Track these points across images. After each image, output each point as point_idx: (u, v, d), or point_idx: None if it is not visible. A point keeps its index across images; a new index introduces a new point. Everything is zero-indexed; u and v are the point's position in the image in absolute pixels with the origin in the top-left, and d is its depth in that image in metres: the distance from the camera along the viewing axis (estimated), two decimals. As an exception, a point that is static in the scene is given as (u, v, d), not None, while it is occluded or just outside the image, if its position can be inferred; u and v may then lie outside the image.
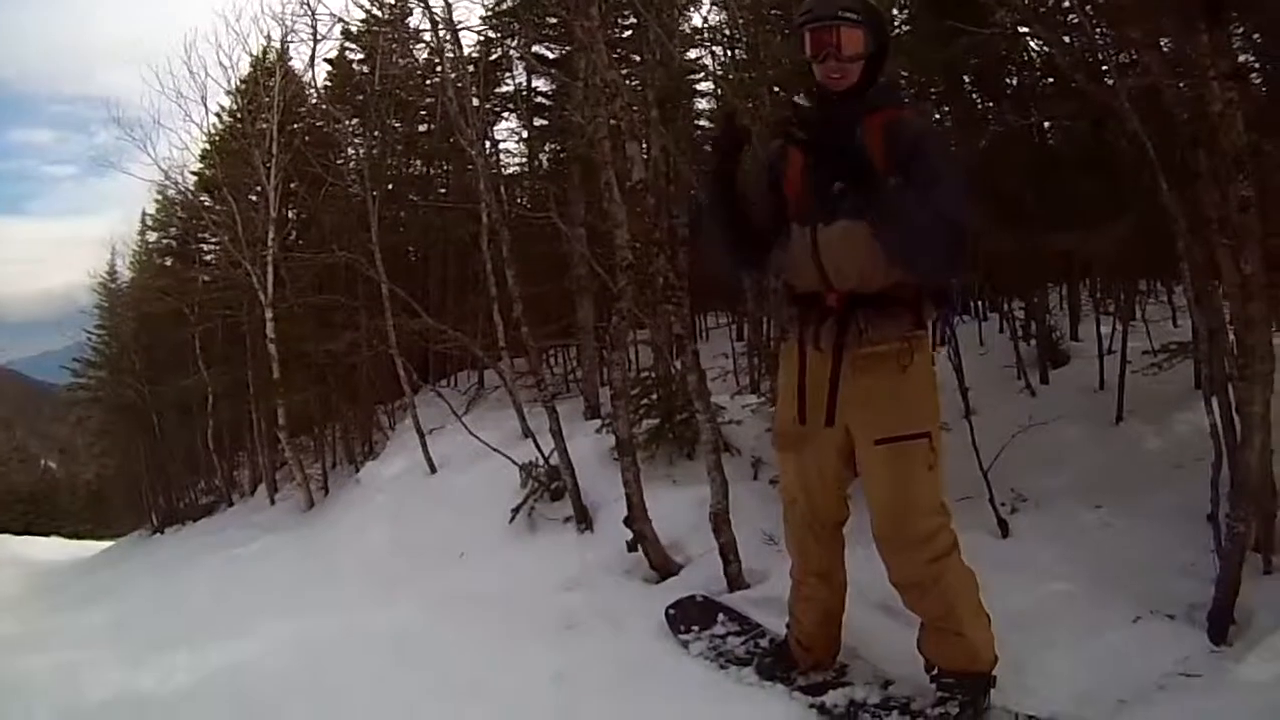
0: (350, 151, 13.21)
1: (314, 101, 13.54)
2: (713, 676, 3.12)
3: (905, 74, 6.21)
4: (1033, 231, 5.65)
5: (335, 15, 11.86)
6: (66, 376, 26.29)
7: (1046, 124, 6.56)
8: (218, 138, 13.97)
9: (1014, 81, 6.74)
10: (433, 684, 3.47)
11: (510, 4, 11.22)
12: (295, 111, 13.23)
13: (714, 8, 9.43)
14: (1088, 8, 4.32)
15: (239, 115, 13.11)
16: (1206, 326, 3.70)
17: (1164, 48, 3.49)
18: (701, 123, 11.47)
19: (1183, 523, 3.65)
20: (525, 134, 12.90)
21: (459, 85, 8.41)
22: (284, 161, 11.93)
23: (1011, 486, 4.47)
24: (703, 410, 4.15)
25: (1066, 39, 5.01)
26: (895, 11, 6.46)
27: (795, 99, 2.61)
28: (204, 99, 13.21)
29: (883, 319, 2.58)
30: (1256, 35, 4.67)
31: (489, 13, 11.13)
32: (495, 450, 6.88)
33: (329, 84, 14.24)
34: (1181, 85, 3.30)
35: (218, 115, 13.90)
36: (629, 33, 10.06)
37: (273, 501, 13.50)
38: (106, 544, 20.36)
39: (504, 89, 12.68)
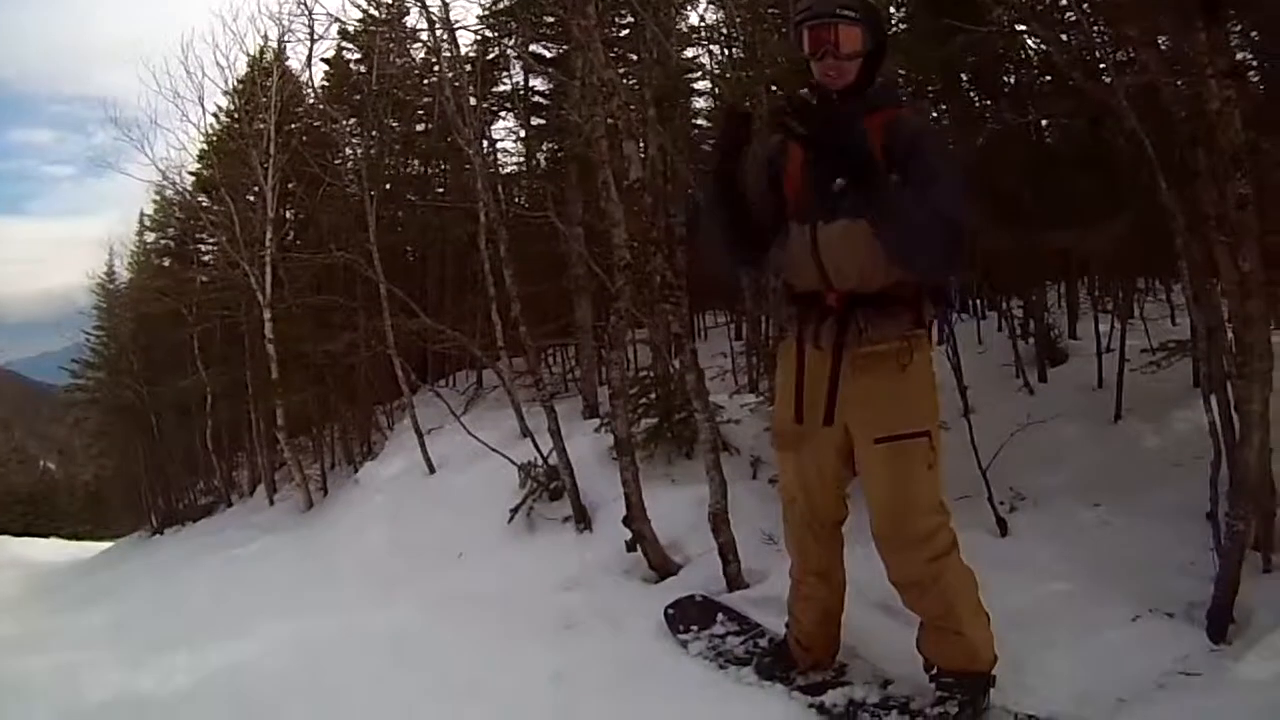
0: (348, 151, 13.21)
1: (311, 101, 13.51)
2: (712, 676, 3.12)
3: (903, 72, 6.21)
4: (1031, 230, 5.65)
5: (332, 15, 11.84)
6: (65, 377, 26.32)
7: (1044, 122, 6.57)
8: (215, 138, 13.97)
9: (1011, 80, 6.75)
10: (431, 684, 3.47)
11: (507, 3, 11.20)
12: (292, 111, 13.19)
13: (711, 6, 9.48)
14: (1085, 6, 4.31)
15: (236, 115, 13.09)
16: (1205, 324, 3.70)
17: (1162, 45, 3.49)
18: (699, 121, 11.48)
19: (1182, 521, 3.65)
20: (523, 133, 12.86)
21: (456, 85, 8.40)
22: (281, 162, 11.92)
23: (1010, 485, 4.47)
24: (701, 409, 4.14)
25: (1064, 37, 5.01)
26: (893, 10, 6.47)
27: (799, 93, 2.58)
28: (201, 99, 13.26)
29: (883, 318, 2.57)
30: (1254, 33, 4.67)
31: (486, 12, 11.11)
32: (494, 450, 6.87)
33: (326, 84, 14.22)
34: (1179, 83, 3.30)
35: (215, 115, 13.90)
36: (626, 31, 10.04)
37: (272, 502, 13.49)
38: (105, 545, 20.34)
39: (501, 88, 12.64)
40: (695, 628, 3.43)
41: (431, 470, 8.66)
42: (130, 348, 19.37)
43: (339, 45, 14.15)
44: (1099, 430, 5.26)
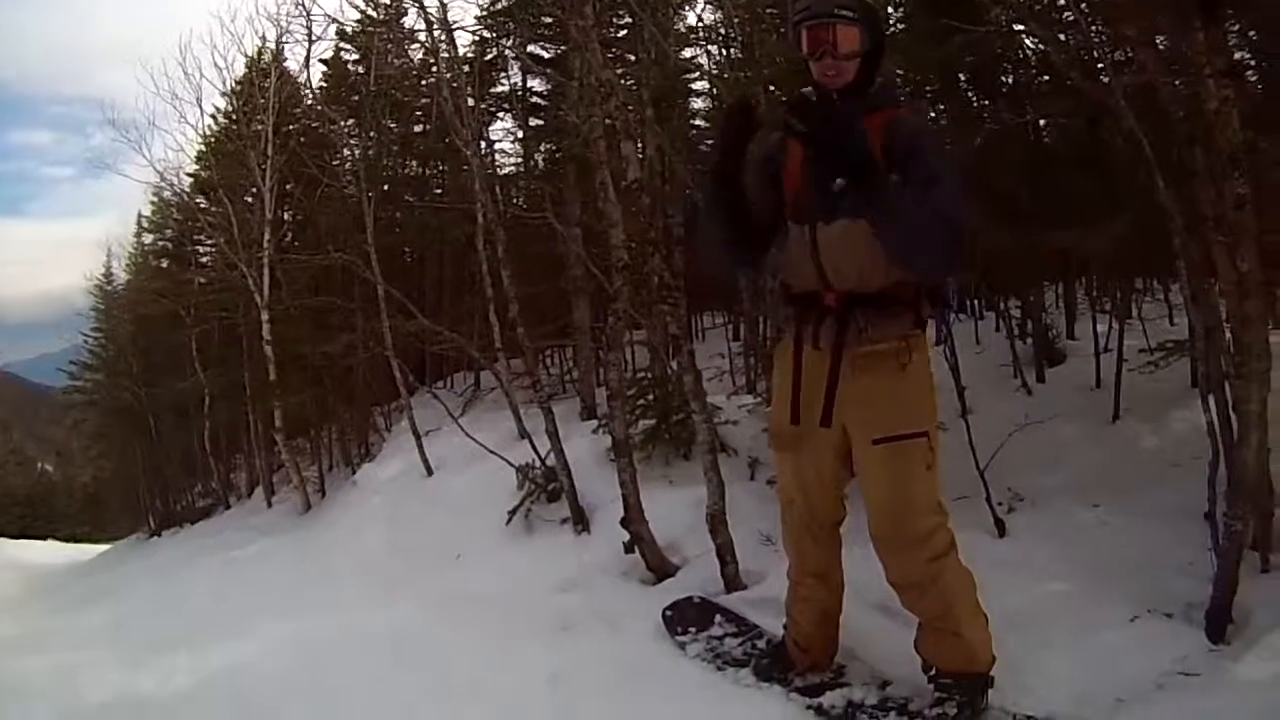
0: (346, 152, 13.21)
1: (309, 102, 13.50)
2: (710, 678, 3.11)
3: (901, 72, 6.21)
4: (1029, 230, 5.64)
5: (330, 16, 11.80)
6: (63, 379, 26.32)
7: (1042, 122, 6.57)
8: (213, 139, 13.96)
9: (1009, 80, 6.74)
10: (430, 684, 3.47)
11: (505, 4, 11.21)
12: (291, 113, 13.19)
13: (709, 6, 9.44)
14: (1083, 5, 4.31)
15: (234, 117, 13.06)
16: (1203, 324, 3.70)
17: (1160, 45, 3.49)
18: (697, 122, 11.48)
19: (1180, 521, 3.65)
20: (520, 134, 12.87)
21: (454, 85, 8.40)
22: (279, 163, 11.91)
23: (1008, 485, 4.47)
24: (699, 411, 4.14)
25: (1062, 37, 5.01)
26: (891, 10, 6.46)
27: (801, 92, 2.57)
28: (199, 100, 13.30)
29: (883, 318, 2.57)
30: (1252, 33, 4.68)
31: (484, 13, 11.11)
32: (492, 452, 6.87)
33: (324, 85, 14.24)
34: (1177, 83, 3.30)
35: (213, 117, 13.87)
36: (624, 32, 10.03)
37: (270, 504, 13.49)
38: (104, 547, 20.35)
39: (499, 89, 12.65)
40: (693, 629, 3.42)
41: (429, 472, 8.66)
42: (128, 349, 19.35)
43: (337, 46, 14.21)
44: (1097, 430, 5.27)
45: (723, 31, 9.45)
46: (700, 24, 9.95)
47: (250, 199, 12.82)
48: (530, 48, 11.56)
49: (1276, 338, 3.13)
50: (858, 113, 2.45)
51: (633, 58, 9.51)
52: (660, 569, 4.40)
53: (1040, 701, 2.67)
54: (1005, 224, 5.53)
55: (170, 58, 17.58)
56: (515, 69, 12.41)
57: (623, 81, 7.09)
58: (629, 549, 4.53)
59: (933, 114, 6.82)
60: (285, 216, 13.34)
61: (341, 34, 13.39)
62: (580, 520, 5.52)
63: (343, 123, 13.05)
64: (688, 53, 10.53)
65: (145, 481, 21.19)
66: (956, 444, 4.16)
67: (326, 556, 7.53)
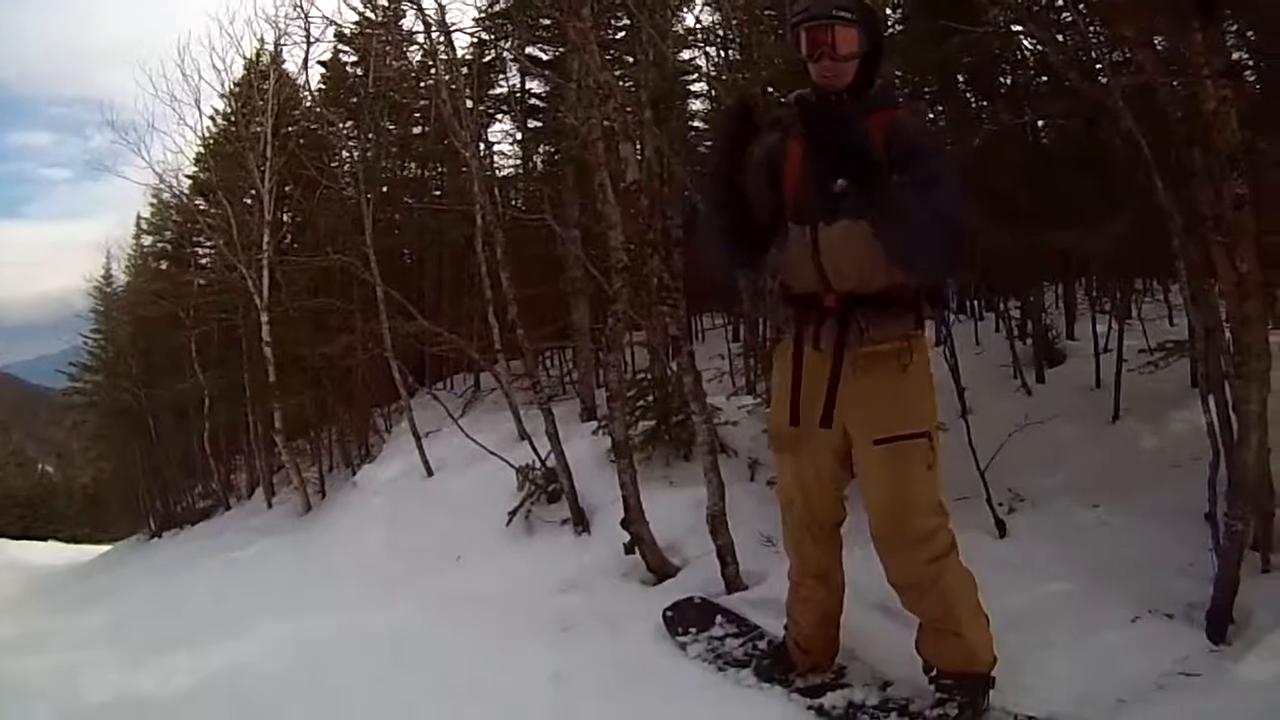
0: (345, 154, 13.21)
1: (308, 104, 13.50)
2: (710, 678, 3.11)
3: (899, 73, 6.21)
4: (1028, 230, 5.64)
5: (328, 18, 11.82)
6: (63, 380, 26.28)
7: (1040, 123, 6.56)
8: (212, 141, 13.97)
9: (1008, 80, 6.75)
10: (430, 685, 3.48)
11: (503, 6, 11.22)
12: (289, 114, 13.17)
13: (707, 8, 9.44)
14: (1081, 6, 4.31)
15: (233, 118, 13.07)
16: (1203, 324, 3.70)
17: (1158, 46, 3.49)
18: (696, 124, 11.47)
19: (1180, 522, 3.65)
20: (519, 136, 12.87)
21: (453, 87, 8.41)
22: (278, 164, 11.91)
23: (1008, 486, 4.47)
24: (699, 412, 4.14)
25: (1060, 37, 5.01)
26: (889, 11, 6.46)
27: (802, 92, 2.56)
28: (198, 102, 13.23)
29: (884, 318, 2.57)
30: (1250, 33, 4.68)
31: (482, 15, 11.14)
32: (492, 453, 6.87)
33: (323, 87, 14.25)
34: (1175, 83, 3.30)
35: (212, 118, 13.89)
36: (622, 34, 10.04)
37: (270, 505, 13.48)
38: (104, 548, 20.34)
39: (498, 91, 12.66)
40: (694, 630, 3.42)
41: (429, 473, 8.66)
42: (128, 351, 19.32)
43: (335, 48, 14.19)
44: (1097, 431, 5.27)
45: (721, 33, 9.44)
46: (698, 26, 9.95)
47: (249, 201, 12.83)
48: (529, 49, 11.56)
49: (1276, 338, 3.13)
50: (859, 113, 2.45)
51: (631, 59, 9.53)
52: (661, 570, 4.40)
53: (1041, 702, 2.67)
54: (1004, 224, 5.53)
55: (169, 59, 17.59)
56: (514, 71, 12.42)
57: (621, 83, 7.10)
58: (629, 550, 4.52)
59: (931, 115, 6.82)
60: (284, 218, 13.33)
61: (340, 36, 13.40)
62: (580, 521, 5.51)
63: (341, 124, 13.05)
64: (686, 54, 10.52)
65: (145, 483, 21.16)
66: (956, 444, 4.16)
67: (327, 557, 7.53)
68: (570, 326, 10.50)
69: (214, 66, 13.96)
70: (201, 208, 14.70)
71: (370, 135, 12.72)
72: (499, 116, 12.76)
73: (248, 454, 16.19)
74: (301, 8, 11.29)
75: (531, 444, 6.49)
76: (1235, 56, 4.46)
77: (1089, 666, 2.85)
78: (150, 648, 5.00)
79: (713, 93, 10.58)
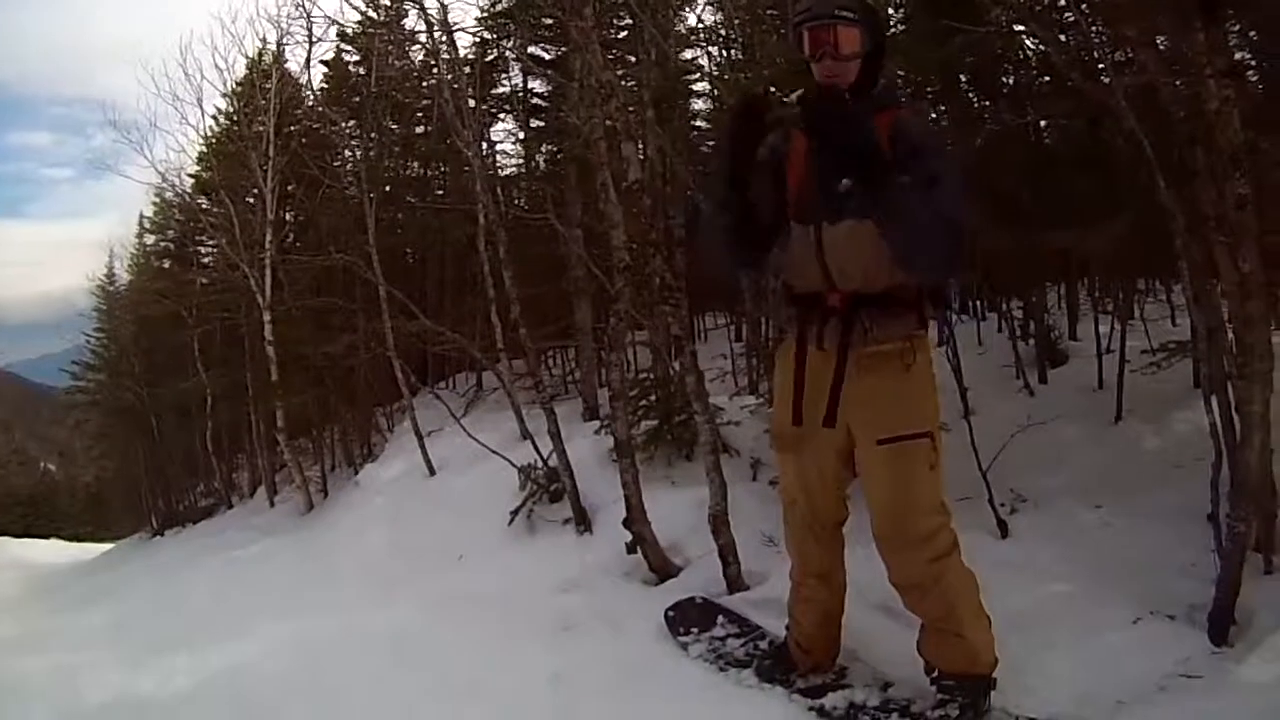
0: (347, 153, 13.23)
1: (310, 104, 13.51)
2: (712, 678, 3.11)
3: (901, 73, 6.20)
4: (1030, 230, 5.64)
5: (330, 17, 11.82)
6: (65, 379, 26.33)
7: (1043, 123, 6.56)
8: (214, 140, 13.98)
9: (1010, 80, 6.74)
10: (431, 684, 3.47)
11: (506, 5, 11.22)
12: (292, 114, 13.20)
13: (709, 7, 9.44)
14: (1083, 6, 4.32)
15: (235, 118, 13.09)
16: (1205, 325, 3.70)
17: (1160, 46, 3.49)
18: (698, 123, 11.48)
19: (1183, 522, 3.64)
20: (522, 135, 12.88)
21: (455, 87, 8.39)
22: (281, 164, 11.93)
23: (1011, 487, 4.46)
24: (701, 411, 4.14)
25: (1062, 37, 5.01)
26: (891, 10, 6.45)
27: (809, 91, 2.55)
28: (200, 101, 13.26)
29: (887, 318, 2.56)
30: (1253, 33, 4.67)
31: (484, 14, 11.13)
32: (494, 452, 6.87)
33: (325, 86, 14.24)
34: (1178, 83, 3.30)
35: (214, 118, 13.91)
36: (624, 33, 10.04)
37: (272, 504, 13.48)
38: (106, 547, 20.34)
39: (500, 90, 12.67)
40: (695, 630, 3.42)
41: (432, 472, 8.65)
42: (131, 350, 19.37)
43: (338, 47, 14.20)
44: (1099, 431, 5.26)
45: (723, 33, 9.47)
46: (701, 25, 9.97)
47: (252, 200, 12.84)
48: (531, 49, 11.56)
49: (1279, 339, 3.12)
50: (865, 112, 2.45)
51: (633, 59, 9.52)
52: (662, 570, 4.40)
53: (1042, 703, 2.67)
54: (1007, 225, 5.53)
55: (171, 59, 17.61)
56: (516, 70, 12.44)
57: (623, 83, 7.09)
58: (631, 550, 4.52)
59: (934, 115, 6.81)
60: (287, 217, 13.35)
61: (342, 35, 13.40)
62: (582, 521, 5.51)
63: (344, 124, 13.06)
64: (688, 54, 10.54)
65: (148, 481, 21.22)
66: (959, 445, 4.16)
67: (328, 557, 7.52)
68: (573, 326, 10.49)
69: (216, 66, 14.01)
70: (204, 207, 14.72)
71: (373, 134, 12.72)
72: (501, 116, 12.79)
73: (250, 453, 16.21)
74: (304, 7, 11.30)
75: (534, 443, 6.48)
76: (1238, 56, 4.45)
77: (1090, 667, 2.84)
78: (150, 647, 5.00)
79: (715, 92, 10.61)
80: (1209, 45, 2.80)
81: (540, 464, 6.24)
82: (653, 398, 6.17)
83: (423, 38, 11.64)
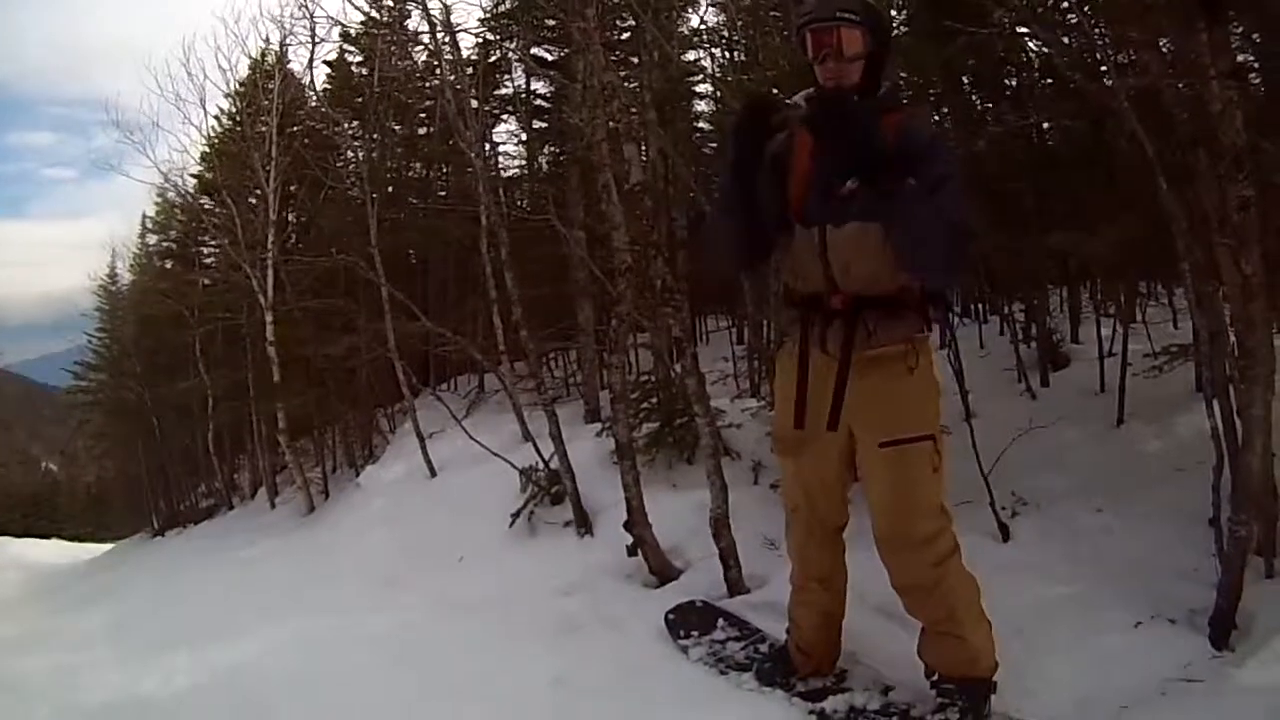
0: (350, 154, 13.20)
1: (313, 104, 13.51)
2: (712, 681, 3.11)
3: (903, 75, 6.20)
4: (1032, 232, 5.63)
5: (333, 18, 11.85)
6: (67, 379, 26.35)
7: (1045, 124, 6.55)
8: (217, 140, 13.98)
9: (1013, 82, 6.74)
10: (432, 685, 3.49)
11: (508, 6, 11.22)
12: (294, 114, 13.19)
13: (712, 9, 9.45)
14: (1086, 8, 4.30)
15: (238, 118, 13.10)
16: (1207, 328, 3.68)
17: (1163, 47, 3.48)
18: (700, 125, 11.47)
19: (1184, 526, 3.64)
20: (524, 136, 12.88)
21: (458, 88, 8.40)
22: (283, 164, 11.91)
23: (1012, 490, 4.45)
24: (702, 414, 4.14)
25: (1065, 39, 5.00)
26: (893, 12, 6.45)
27: (817, 91, 2.54)
28: (203, 102, 13.25)
29: (890, 320, 2.56)
30: (1255, 35, 4.66)
31: (487, 15, 11.13)
32: (495, 454, 6.86)
33: (328, 87, 14.22)
34: (1181, 85, 3.29)
35: (217, 118, 13.92)
36: (627, 35, 10.02)
37: (273, 505, 13.47)
38: (107, 547, 20.34)
39: (503, 91, 12.67)
40: (696, 633, 3.42)
41: (433, 474, 8.65)
42: (132, 350, 19.40)
43: (341, 48, 14.21)
44: (1101, 434, 5.25)
45: (726, 34, 9.47)
46: (703, 27, 9.95)
47: (254, 200, 12.84)
48: (534, 50, 11.55)
49: (1281, 342, 3.12)
50: (873, 113, 2.44)
51: (635, 60, 9.50)
52: (663, 572, 4.40)
53: (1043, 707, 2.67)
54: (1009, 226, 5.53)
55: (173, 59, 17.60)
56: (519, 71, 12.43)
57: (626, 84, 7.09)
58: (632, 552, 4.52)
59: (936, 116, 6.81)
60: (289, 218, 13.35)
61: (345, 36, 13.41)
62: (583, 523, 5.51)
63: (346, 124, 13.04)
64: (691, 55, 10.51)
65: (149, 481, 21.26)
66: (960, 447, 4.14)
67: (329, 557, 7.53)
68: (574, 327, 10.48)
69: (219, 66, 14.03)
70: (206, 207, 14.73)
71: (375, 135, 12.71)
72: (504, 117, 12.80)
73: (251, 453, 16.21)
74: (307, 8, 11.37)
75: (535, 445, 6.48)
76: (1240, 58, 4.44)
77: (1091, 671, 2.84)
78: (151, 647, 5.02)
79: (717, 94, 10.58)
80: (1212, 47, 2.80)
81: (541, 466, 6.23)
82: (654, 400, 6.17)
83: (426, 38, 11.60)
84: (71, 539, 25.06)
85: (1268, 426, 2.89)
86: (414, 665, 3.75)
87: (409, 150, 14.73)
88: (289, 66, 13.20)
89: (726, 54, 10.05)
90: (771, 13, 7.20)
